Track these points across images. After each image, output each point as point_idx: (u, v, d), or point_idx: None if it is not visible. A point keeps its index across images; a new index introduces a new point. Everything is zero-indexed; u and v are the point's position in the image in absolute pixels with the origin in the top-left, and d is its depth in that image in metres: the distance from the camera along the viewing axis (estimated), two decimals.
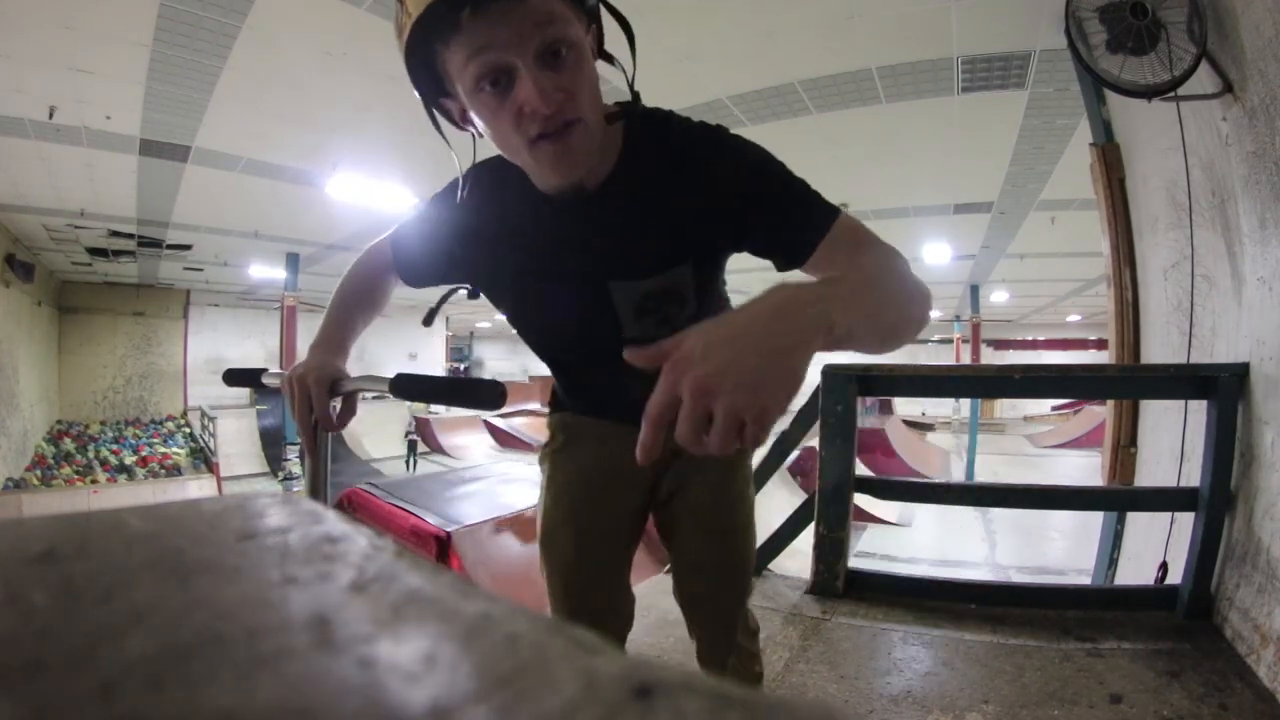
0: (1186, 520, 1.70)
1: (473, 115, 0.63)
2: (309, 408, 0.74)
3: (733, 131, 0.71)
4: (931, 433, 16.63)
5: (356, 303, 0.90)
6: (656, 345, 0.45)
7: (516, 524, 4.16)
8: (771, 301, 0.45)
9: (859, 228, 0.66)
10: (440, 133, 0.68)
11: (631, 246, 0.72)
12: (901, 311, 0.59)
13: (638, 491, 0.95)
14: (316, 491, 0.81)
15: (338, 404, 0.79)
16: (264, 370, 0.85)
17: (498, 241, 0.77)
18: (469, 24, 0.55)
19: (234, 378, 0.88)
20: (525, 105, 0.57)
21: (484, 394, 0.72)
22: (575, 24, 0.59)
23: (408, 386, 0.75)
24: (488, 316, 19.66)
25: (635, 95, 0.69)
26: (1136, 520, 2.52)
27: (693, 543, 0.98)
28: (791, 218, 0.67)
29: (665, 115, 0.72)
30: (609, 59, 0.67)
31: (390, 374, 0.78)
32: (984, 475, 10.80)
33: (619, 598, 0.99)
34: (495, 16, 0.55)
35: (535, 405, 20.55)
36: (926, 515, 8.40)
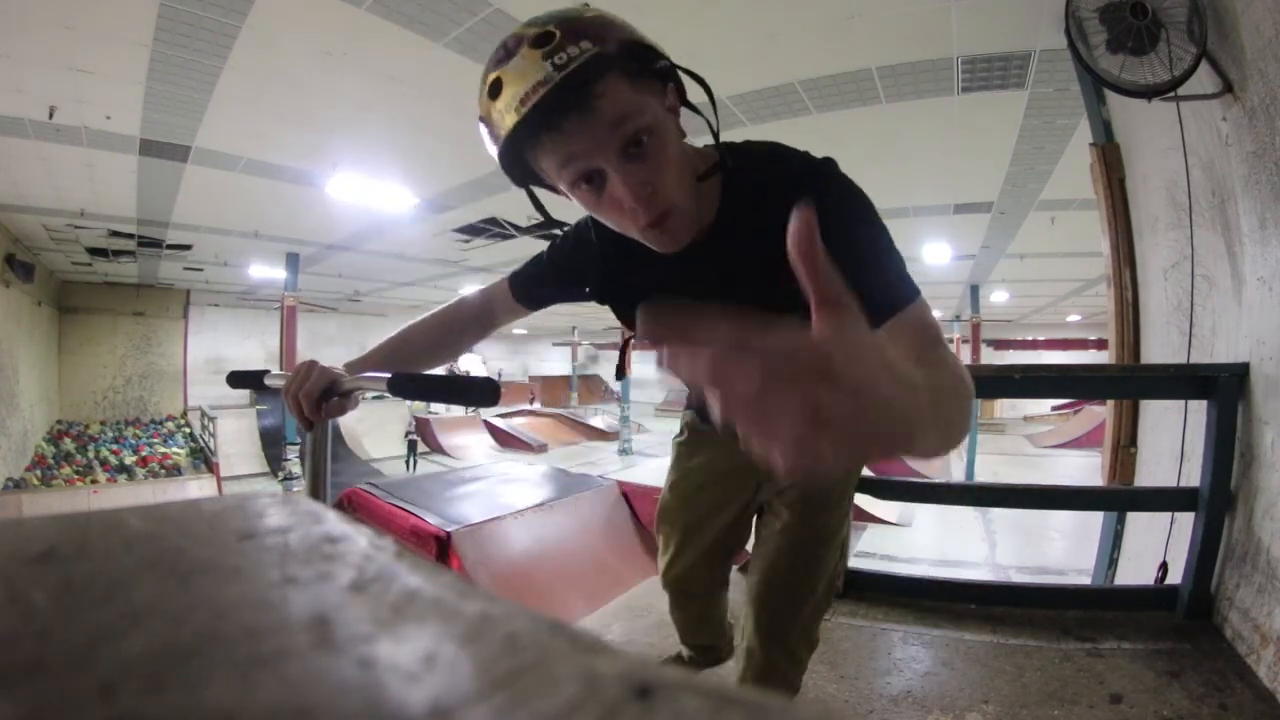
0: (1186, 520, 1.70)
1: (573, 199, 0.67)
2: (300, 410, 0.80)
3: (840, 172, 0.70)
4: None
5: (415, 336, 0.98)
6: (827, 267, 0.36)
7: (516, 524, 4.16)
8: (908, 391, 0.36)
9: (932, 321, 0.64)
10: (538, 206, 0.72)
11: (736, 294, 0.73)
12: (961, 428, 0.50)
13: (743, 489, 1.09)
14: (317, 492, 0.82)
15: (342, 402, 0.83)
16: (266, 372, 0.87)
17: (627, 285, 0.85)
18: (550, 140, 0.59)
19: (238, 380, 0.90)
20: (623, 201, 0.62)
21: (479, 391, 0.74)
22: (649, 105, 0.61)
23: (406, 385, 0.77)
24: None
25: (719, 146, 0.71)
26: (1136, 520, 2.52)
27: (774, 544, 1.04)
28: (872, 285, 0.59)
29: (766, 149, 0.74)
30: (691, 108, 0.68)
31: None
32: (984, 475, 10.80)
33: (718, 571, 1.22)
34: (572, 130, 0.58)
35: (536, 405, 20.58)
36: (926, 515, 8.40)
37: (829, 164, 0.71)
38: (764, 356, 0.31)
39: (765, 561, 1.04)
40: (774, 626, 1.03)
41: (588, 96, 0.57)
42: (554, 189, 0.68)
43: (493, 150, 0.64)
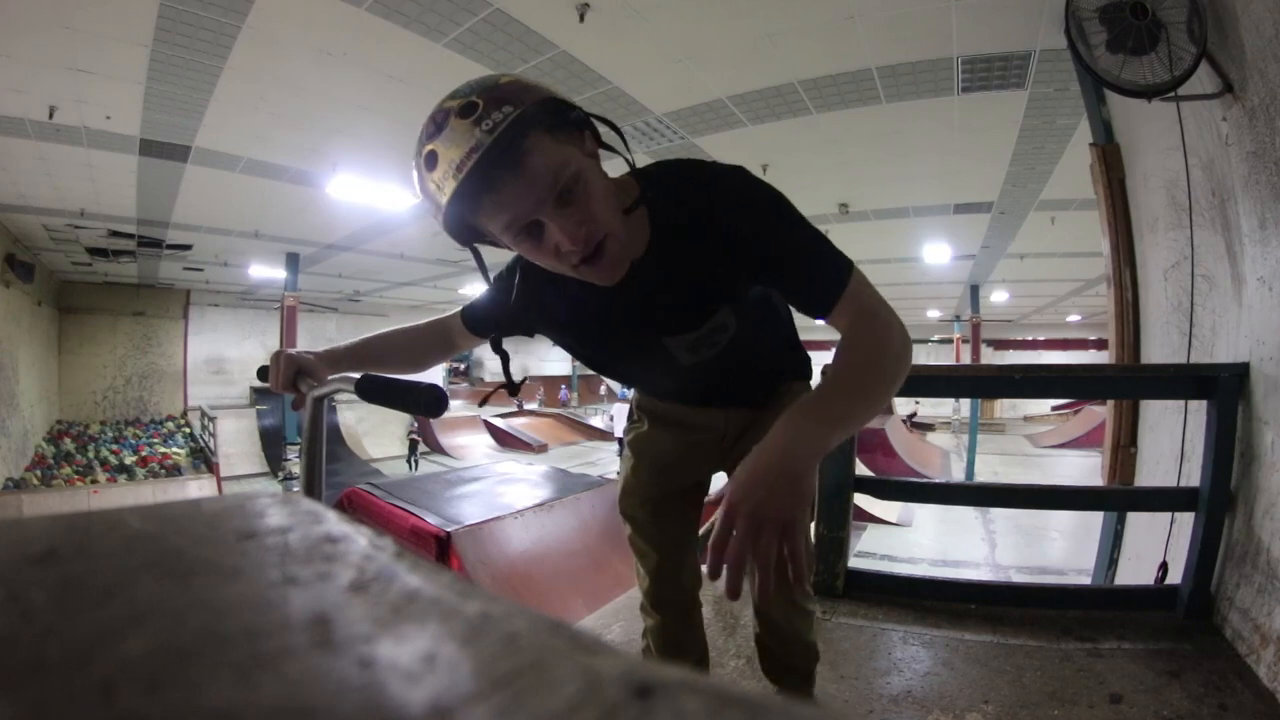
0: (1186, 520, 1.70)
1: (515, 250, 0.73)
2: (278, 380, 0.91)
3: (749, 175, 0.77)
4: (931, 433, 16.63)
5: (390, 338, 1.06)
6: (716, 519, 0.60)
7: (516, 524, 4.16)
8: (784, 441, 0.62)
9: (864, 287, 0.75)
10: (481, 265, 0.79)
11: (673, 312, 0.84)
12: (888, 391, 0.70)
13: (703, 465, 1.12)
14: (312, 489, 0.85)
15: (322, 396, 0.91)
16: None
17: (560, 316, 0.90)
18: (489, 200, 0.64)
19: (265, 373, 0.98)
20: (560, 245, 0.68)
21: (425, 400, 0.76)
22: (572, 155, 0.67)
23: (369, 388, 0.80)
24: None
25: (636, 173, 0.76)
26: (1136, 520, 2.52)
27: None
28: (810, 280, 0.76)
29: (680, 174, 0.79)
30: (608, 148, 0.73)
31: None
32: (984, 475, 10.80)
33: (687, 552, 1.18)
34: (507, 188, 0.63)
35: (535, 405, 20.58)
36: (926, 515, 8.40)
37: (740, 173, 0.77)
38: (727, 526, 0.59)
39: None
40: (778, 599, 1.11)
41: (517, 155, 0.62)
42: (495, 243, 0.73)
43: (436, 218, 0.68)
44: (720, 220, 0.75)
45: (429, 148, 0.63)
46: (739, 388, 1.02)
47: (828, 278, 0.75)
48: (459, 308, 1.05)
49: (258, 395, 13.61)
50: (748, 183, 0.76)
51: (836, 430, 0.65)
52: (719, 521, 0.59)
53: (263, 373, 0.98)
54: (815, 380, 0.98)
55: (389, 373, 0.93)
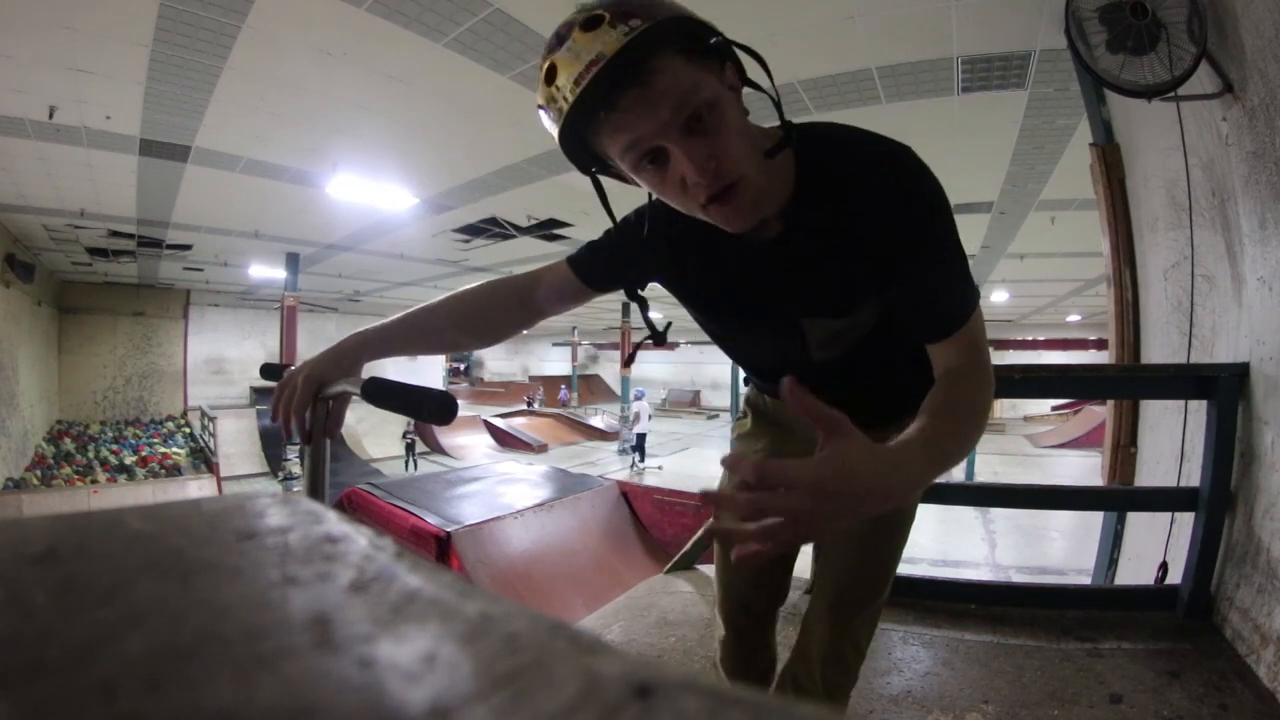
0: (1186, 520, 1.70)
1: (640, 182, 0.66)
2: (289, 412, 0.79)
3: (914, 159, 0.71)
4: None
5: (449, 306, 0.90)
6: (820, 408, 0.51)
7: (516, 524, 4.16)
8: (898, 478, 0.53)
9: (977, 329, 0.70)
10: (602, 198, 0.70)
11: (818, 289, 0.75)
12: (976, 437, 0.64)
13: None
14: (316, 490, 0.82)
15: (338, 410, 0.83)
16: (288, 366, 0.89)
17: (695, 272, 0.80)
18: (610, 119, 0.59)
19: (269, 371, 0.92)
20: (687, 178, 0.61)
21: (435, 407, 0.71)
22: (707, 80, 0.61)
23: (374, 392, 0.75)
24: None
25: (785, 123, 0.67)
26: (1136, 520, 2.52)
27: (840, 539, 1.01)
28: (939, 299, 0.69)
29: (835, 140, 0.72)
30: (754, 85, 0.67)
31: (389, 374, 0.79)
32: (984, 475, 10.79)
33: (775, 569, 1.09)
34: (630, 107, 0.58)
35: (536, 405, 20.57)
36: (926, 515, 8.35)
37: (907, 154, 0.70)
38: (790, 484, 0.49)
39: (838, 554, 1.03)
40: (843, 616, 1.02)
41: (643, 72, 0.57)
42: (619, 176, 0.68)
43: (554, 133, 0.62)
44: (881, 200, 0.68)
45: (549, 61, 0.58)
46: (859, 402, 0.92)
47: (956, 302, 0.68)
48: (558, 261, 0.90)
49: (258, 395, 13.61)
50: (919, 167, 0.70)
51: (938, 474, 0.59)
52: (789, 472, 0.49)
53: (267, 371, 0.92)
54: None
55: (456, 348, 0.87)
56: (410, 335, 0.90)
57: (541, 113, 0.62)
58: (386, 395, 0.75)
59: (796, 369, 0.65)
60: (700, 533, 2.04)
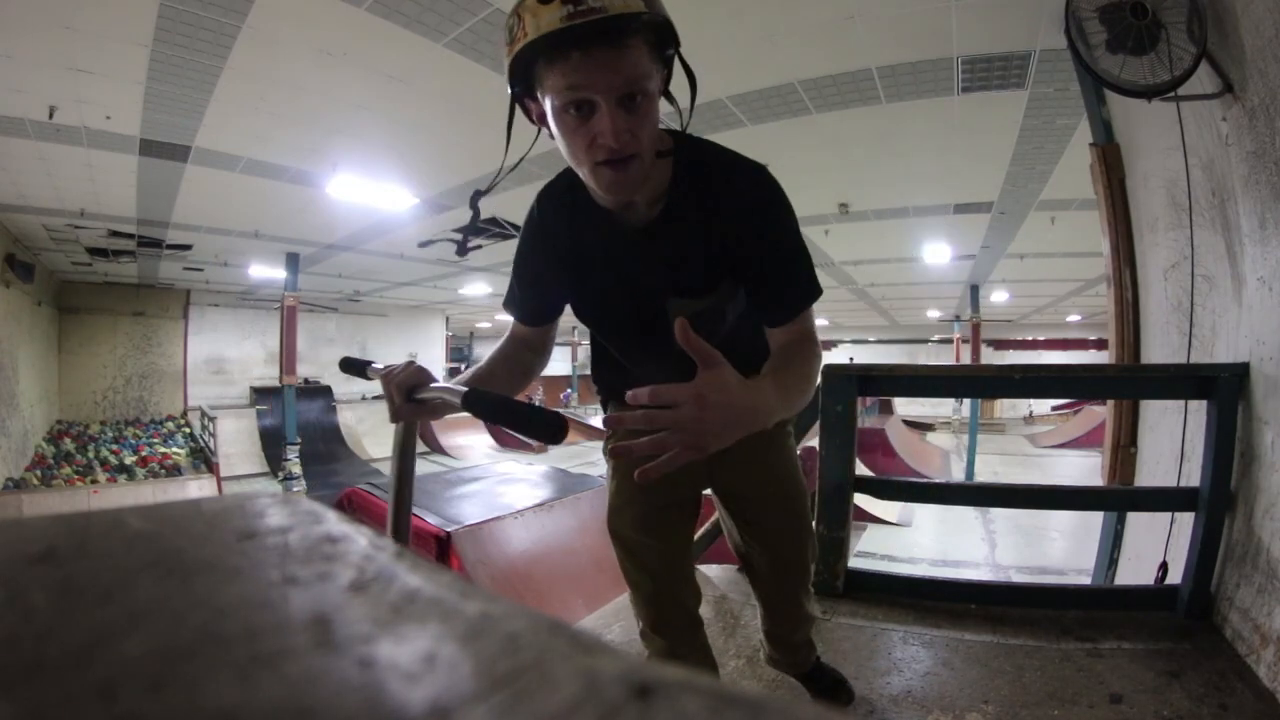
0: (1186, 520, 1.70)
1: (551, 123, 0.73)
2: (391, 398, 0.85)
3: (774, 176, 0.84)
4: (931, 433, 16.63)
5: (493, 364, 1.01)
6: (703, 345, 0.63)
7: (516, 524, 4.16)
8: (759, 400, 0.68)
9: (809, 320, 0.86)
10: (508, 128, 0.79)
11: (682, 271, 0.87)
12: (808, 393, 0.83)
13: (691, 479, 1.10)
14: (399, 532, 0.91)
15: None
16: (370, 363, 0.94)
17: (577, 261, 0.91)
18: (575, 59, 0.66)
19: (349, 365, 0.97)
20: (599, 136, 0.70)
21: (543, 425, 0.68)
22: (654, 77, 0.71)
23: (478, 403, 0.73)
24: (488, 317, 19.65)
25: (686, 136, 0.84)
26: (1136, 520, 2.52)
27: (752, 504, 1.14)
28: (786, 287, 0.85)
29: (710, 152, 0.85)
30: (670, 99, 0.78)
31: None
32: (984, 475, 10.79)
33: (685, 570, 1.16)
34: (596, 60, 0.66)
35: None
36: (926, 515, 8.40)
37: (764, 171, 0.84)
38: (672, 403, 0.62)
39: (768, 550, 1.16)
40: (786, 585, 1.19)
41: (622, 42, 0.66)
42: (528, 112, 0.76)
43: (512, 45, 0.68)
44: (735, 199, 0.82)
45: None
46: None
47: (800, 292, 0.84)
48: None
49: (258, 395, 13.61)
50: (771, 181, 0.83)
51: (781, 414, 0.73)
52: (673, 413, 0.61)
53: (348, 365, 0.95)
54: None
55: (507, 391, 0.92)
56: (485, 382, 0.97)
57: (512, 16, 0.68)
58: (489, 407, 0.73)
59: (661, 362, 0.80)
60: (709, 529, 2.04)
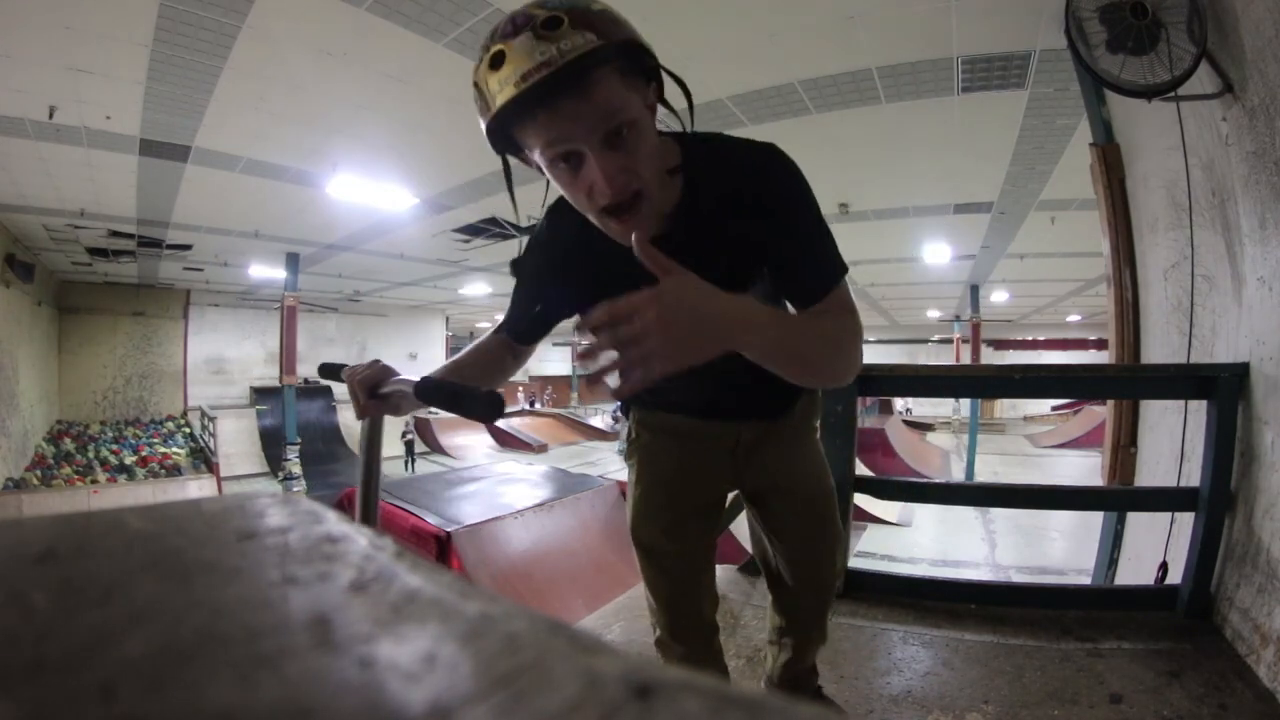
0: (1186, 520, 1.70)
1: (547, 176, 0.72)
2: (355, 396, 0.86)
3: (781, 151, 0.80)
4: (931, 433, 16.63)
5: (462, 360, 1.00)
6: (659, 256, 0.61)
7: (516, 524, 4.16)
8: (732, 307, 0.63)
9: (845, 297, 0.80)
10: (508, 177, 0.77)
11: (708, 277, 0.81)
12: (828, 369, 0.76)
13: (716, 482, 1.07)
14: (368, 515, 0.91)
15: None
16: (344, 366, 0.94)
17: (593, 279, 0.86)
18: (543, 117, 0.63)
19: (327, 372, 0.98)
20: (595, 185, 0.67)
21: (482, 405, 0.73)
22: (634, 101, 0.67)
23: (427, 392, 0.79)
24: (488, 317, 19.64)
25: (681, 139, 0.79)
26: (1136, 520, 2.52)
27: (778, 508, 1.10)
28: (811, 267, 0.79)
29: (719, 145, 0.81)
30: (668, 107, 0.74)
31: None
32: (984, 475, 10.80)
33: (705, 577, 1.12)
34: (565, 114, 0.63)
35: (537, 405, 20.58)
36: (926, 515, 8.40)
37: (772, 148, 0.80)
38: (628, 312, 0.58)
39: (779, 528, 1.11)
40: (808, 606, 1.16)
41: (584, 84, 0.62)
42: (527, 162, 0.73)
43: (482, 118, 0.66)
44: (753, 193, 0.78)
45: (499, 47, 0.61)
46: (754, 396, 0.97)
47: (827, 270, 0.79)
48: (498, 330, 1.01)
49: (258, 395, 13.61)
50: (782, 160, 0.79)
51: (772, 346, 0.67)
52: (633, 301, 0.58)
53: (325, 370, 0.96)
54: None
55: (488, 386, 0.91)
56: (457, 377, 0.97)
57: (474, 89, 0.66)
58: (438, 395, 0.78)
59: (684, 374, 0.70)
60: None
